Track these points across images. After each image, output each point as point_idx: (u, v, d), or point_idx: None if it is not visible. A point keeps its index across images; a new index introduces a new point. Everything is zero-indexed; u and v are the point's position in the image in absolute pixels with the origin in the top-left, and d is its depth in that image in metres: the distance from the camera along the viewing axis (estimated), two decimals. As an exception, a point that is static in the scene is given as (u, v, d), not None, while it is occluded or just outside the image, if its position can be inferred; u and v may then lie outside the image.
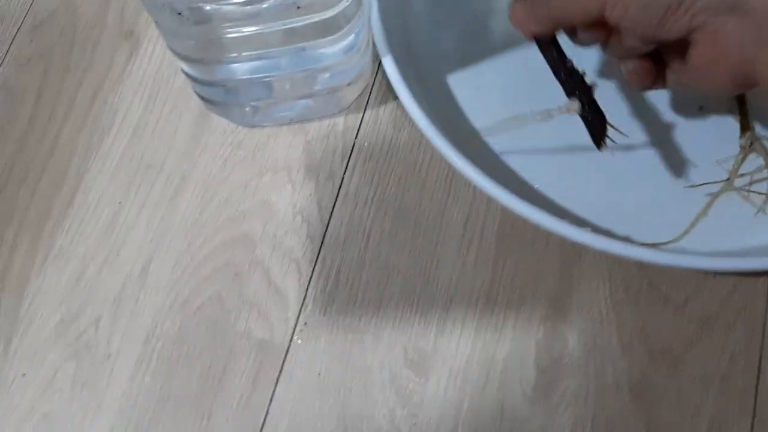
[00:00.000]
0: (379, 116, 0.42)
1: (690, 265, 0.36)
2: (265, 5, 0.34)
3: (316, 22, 0.35)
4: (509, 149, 0.41)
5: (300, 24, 0.35)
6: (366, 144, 0.42)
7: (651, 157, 0.40)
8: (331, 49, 0.38)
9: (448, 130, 0.40)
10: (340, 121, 0.42)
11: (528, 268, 0.39)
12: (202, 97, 0.41)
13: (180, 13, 0.33)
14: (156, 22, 0.36)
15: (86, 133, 0.42)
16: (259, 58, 0.38)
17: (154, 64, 0.43)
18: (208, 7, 0.35)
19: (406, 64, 0.41)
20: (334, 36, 0.37)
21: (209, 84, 0.40)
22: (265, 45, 0.37)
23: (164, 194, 0.41)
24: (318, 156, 0.41)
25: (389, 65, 0.38)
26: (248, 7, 0.34)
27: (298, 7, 0.33)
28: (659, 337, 0.37)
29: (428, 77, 0.42)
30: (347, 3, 0.34)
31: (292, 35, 0.36)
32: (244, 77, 0.39)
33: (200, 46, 0.38)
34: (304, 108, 0.42)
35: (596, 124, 0.36)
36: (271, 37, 0.36)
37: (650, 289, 0.38)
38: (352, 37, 0.37)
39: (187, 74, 0.39)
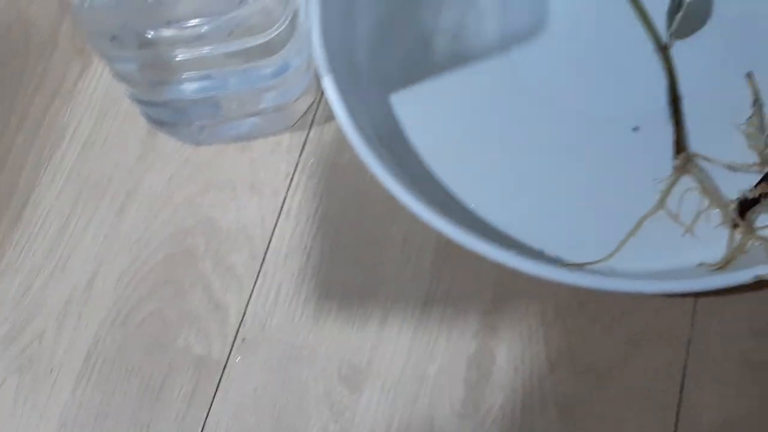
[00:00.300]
0: (324, 134, 0.43)
1: (614, 288, 0.37)
2: (202, 30, 0.35)
3: (253, 46, 0.36)
4: (447, 169, 0.41)
5: (235, 48, 0.35)
6: (310, 161, 0.43)
7: (585, 178, 0.41)
8: (272, 69, 0.39)
9: (388, 149, 0.41)
10: (285, 138, 0.43)
11: (462, 285, 0.40)
12: (149, 118, 0.42)
13: (114, 38, 0.34)
14: (98, 50, 0.37)
15: (37, 148, 0.43)
16: (203, 78, 0.39)
17: (105, 81, 0.44)
18: (149, 34, 0.36)
19: (349, 83, 0.42)
20: (271, 57, 0.37)
21: (154, 105, 0.41)
22: (207, 66, 0.38)
23: (110, 210, 0.42)
24: (262, 173, 0.42)
25: (329, 86, 0.39)
26: (184, 33, 0.35)
27: (231, 33, 0.34)
28: (586, 354, 0.38)
29: (371, 96, 0.43)
30: (280, 29, 0.35)
31: (231, 58, 0.37)
32: (190, 97, 0.40)
33: (144, 69, 0.38)
34: (251, 126, 0.43)
35: None
36: (212, 60, 0.37)
37: (579, 308, 0.39)
38: (290, 58, 0.38)
39: (132, 97, 0.40)
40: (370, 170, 0.38)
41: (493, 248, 0.37)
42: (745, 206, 0.38)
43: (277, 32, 0.35)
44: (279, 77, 0.38)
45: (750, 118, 0.41)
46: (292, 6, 0.35)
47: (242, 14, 0.33)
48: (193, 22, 0.33)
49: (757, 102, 0.41)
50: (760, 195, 0.37)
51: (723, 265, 0.37)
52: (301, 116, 0.43)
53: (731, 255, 0.38)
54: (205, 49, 0.35)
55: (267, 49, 0.36)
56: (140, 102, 0.40)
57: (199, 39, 0.35)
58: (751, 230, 0.38)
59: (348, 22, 0.43)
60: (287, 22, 0.35)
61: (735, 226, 0.38)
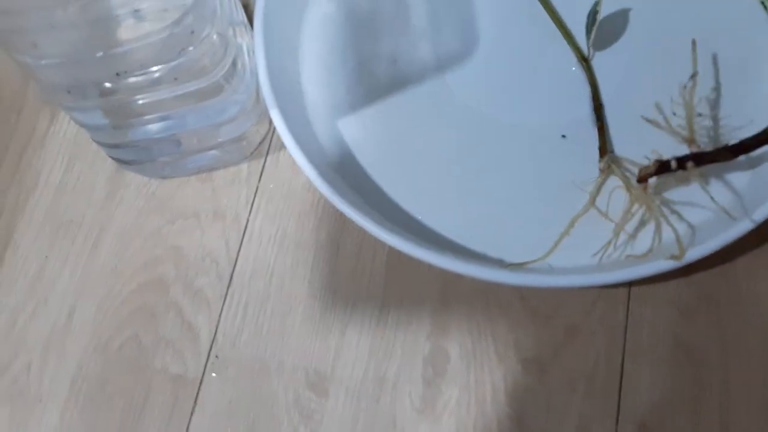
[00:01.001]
0: (279, 160, 0.46)
1: (546, 284, 0.40)
2: (151, 78, 0.38)
3: (202, 87, 0.39)
4: (395, 184, 0.45)
5: (183, 91, 0.39)
6: (269, 186, 0.46)
7: (522, 184, 0.44)
8: (222, 106, 0.42)
9: (338, 170, 0.45)
10: (244, 167, 0.46)
11: (414, 290, 0.43)
12: (114, 159, 0.45)
13: (69, 91, 0.37)
14: (56, 103, 0.40)
15: (13, 194, 0.46)
16: (163, 119, 0.42)
17: (73, 126, 0.48)
18: (108, 84, 0.39)
19: (298, 112, 0.45)
20: (220, 95, 0.41)
21: (119, 147, 0.44)
22: (164, 108, 0.41)
23: (85, 246, 0.45)
24: (224, 201, 0.46)
25: (276, 119, 0.42)
26: (136, 80, 0.38)
27: (175, 79, 0.38)
28: (530, 346, 0.42)
29: (320, 122, 0.46)
30: (223, 71, 0.39)
31: (184, 99, 0.40)
32: (152, 137, 0.43)
33: (108, 114, 0.42)
34: (211, 158, 0.46)
35: None
36: (167, 102, 0.40)
37: (522, 303, 0.42)
38: (237, 95, 0.42)
39: (97, 141, 0.43)
40: (320, 192, 0.42)
41: (437, 255, 0.40)
42: (645, 174, 0.41)
43: (220, 74, 0.38)
44: (230, 112, 0.41)
45: (685, 88, 0.42)
46: (231, 51, 0.39)
47: (183, 62, 0.36)
48: (141, 71, 0.37)
49: (694, 76, 0.42)
50: (656, 168, 0.40)
51: (646, 254, 0.41)
52: (257, 146, 0.46)
53: (624, 218, 0.41)
54: (158, 94, 0.39)
55: (215, 89, 0.40)
56: (105, 145, 0.43)
57: (148, 86, 0.38)
58: (644, 193, 0.41)
59: (292, 58, 0.47)
60: (228, 65, 0.38)
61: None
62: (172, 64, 0.36)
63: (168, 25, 0.35)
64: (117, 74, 0.37)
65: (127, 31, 0.36)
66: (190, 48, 0.37)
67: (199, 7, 0.36)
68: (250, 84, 0.43)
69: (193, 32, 0.37)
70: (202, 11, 0.37)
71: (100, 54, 0.35)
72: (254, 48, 0.44)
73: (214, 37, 0.39)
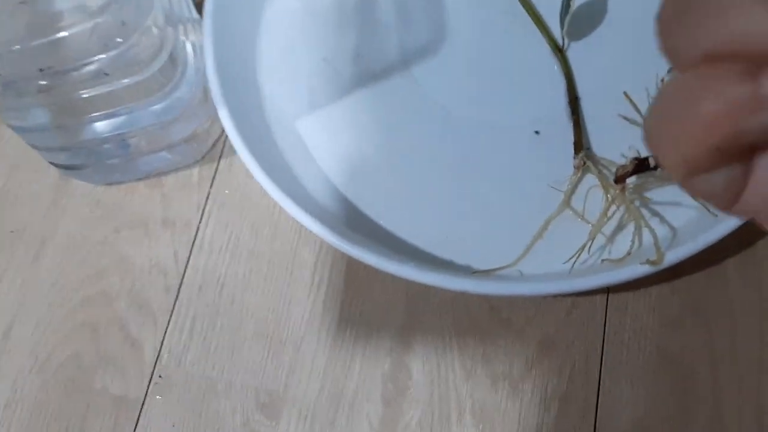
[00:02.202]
0: (233, 164, 0.43)
1: (516, 292, 0.37)
2: (68, 74, 0.35)
3: (134, 84, 0.37)
4: (356, 188, 0.42)
5: (114, 88, 0.36)
6: (222, 192, 0.43)
7: (492, 185, 0.41)
8: (167, 102, 0.39)
9: (295, 174, 0.42)
10: (195, 171, 0.43)
11: (375, 302, 0.40)
12: (59, 165, 0.42)
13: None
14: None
15: (-48, 204, 0.44)
16: (108, 117, 0.40)
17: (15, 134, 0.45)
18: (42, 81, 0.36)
19: (253, 111, 0.43)
20: (160, 93, 0.38)
21: (64, 150, 0.41)
22: (106, 106, 0.39)
23: (26, 258, 0.42)
24: (174, 208, 0.43)
25: (224, 118, 0.40)
26: (67, 77, 0.36)
27: (106, 74, 0.35)
28: (500, 360, 0.38)
29: (278, 122, 0.43)
30: (159, 65, 0.36)
31: (124, 95, 0.38)
32: (98, 137, 0.40)
33: (50, 112, 0.39)
34: (161, 161, 0.43)
35: None
36: (108, 98, 0.38)
37: (491, 314, 0.39)
38: (180, 92, 0.39)
39: (35, 146, 0.40)
40: (272, 197, 0.38)
41: (397, 264, 0.37)
42: (622, 174, 0.37)
43: (156, 68, 0.35)
44: (174, 111, 0.39)
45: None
46: (167, 47, 0.36)
47: (116, 55, 0.33)
48: (69, 65, 0.34)
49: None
50: (634, 167, 0.37)
51: (623, 257, 0.37)
52: (210, 149, 0.43)
53: (600, 221, 0.38)
54: (95, 90, 0.36)
55: (153, 86, 0.37)
56: (47, 149, 0.40)
57: (82, 82, 0.36)
58: (622, 194, 0.37)
59: (249, 54, 0.44)
60: (164, 60, 0.36)
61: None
62: (104, 57, 0.33)
63: (92, 13, 0.32)
64: (41, 70, 0.34)
65: (51, 23, 0.34)
66: (119, 40, 0.34)
67: (129, -3, 0.34)
68: (194, 82, 0.40)
69: (124, 23, 0.34)
70: (135, 3, 0.34)
71: (17, 47, 0.32)
72: (204, 43, 0.41)
73: (154, 30, 0.36)
